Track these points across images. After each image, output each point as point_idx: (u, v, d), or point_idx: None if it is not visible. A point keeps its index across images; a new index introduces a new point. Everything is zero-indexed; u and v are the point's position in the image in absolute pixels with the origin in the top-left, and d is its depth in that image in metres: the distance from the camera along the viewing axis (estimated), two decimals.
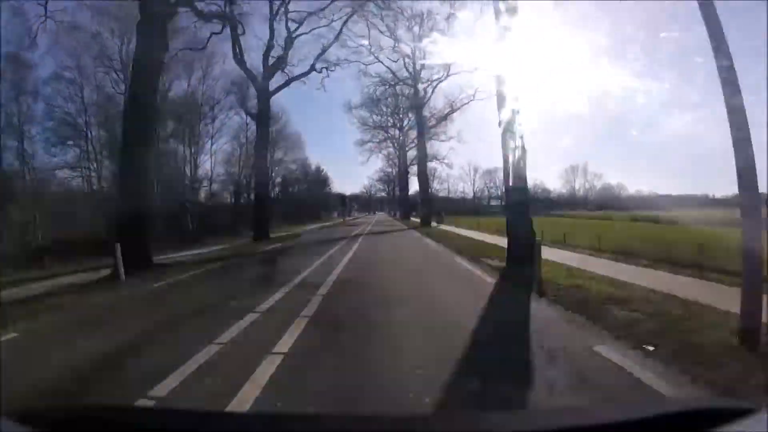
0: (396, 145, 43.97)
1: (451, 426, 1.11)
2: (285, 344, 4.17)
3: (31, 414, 1.08)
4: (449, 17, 21.78)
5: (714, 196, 42.75)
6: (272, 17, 21.58)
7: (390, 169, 73.74)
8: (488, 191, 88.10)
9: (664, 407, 1.17)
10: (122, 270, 8.84)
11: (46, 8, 14.92)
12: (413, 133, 38.74)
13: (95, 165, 24.56)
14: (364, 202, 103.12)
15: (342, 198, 55.20)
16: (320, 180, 68.02)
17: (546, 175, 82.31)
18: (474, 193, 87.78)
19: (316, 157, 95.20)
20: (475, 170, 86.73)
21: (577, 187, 70.25)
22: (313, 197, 60.91)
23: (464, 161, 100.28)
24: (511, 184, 8.86)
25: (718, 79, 3.83)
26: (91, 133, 24.29)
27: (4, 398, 2.66)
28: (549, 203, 70.64)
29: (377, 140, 43.03)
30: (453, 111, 32.70)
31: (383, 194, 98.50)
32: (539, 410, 2.33)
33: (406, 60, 29.51)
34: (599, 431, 0.98)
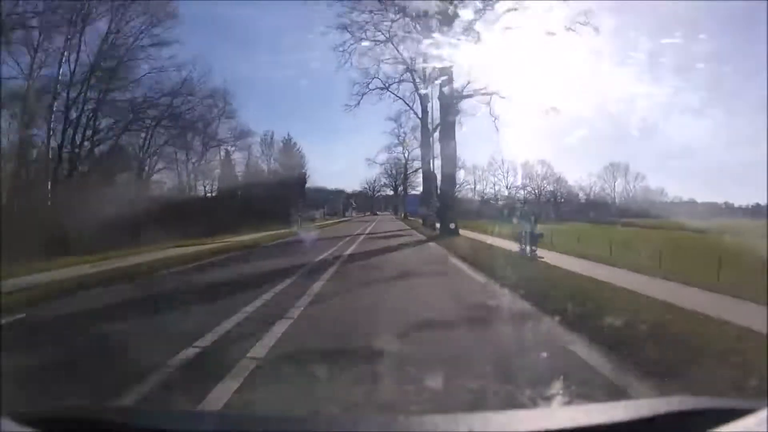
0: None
1: (450, 427, 1.11)
2: None
3: (31, 414, 1.12)
4: None
5: (733, 204, 41.14)
6: None
7: (399, 148, 55.79)
8: (524, 190, 69.65)
9: (665, 407, 1.10)
10: None
11: None
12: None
13: None
14: (365, 201, 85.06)
15: (301, 183, 30.83)
16: (289, 157, 49.55)
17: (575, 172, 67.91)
18: (508, 191, 69.25)
19: (313, 155, 78.11)
20: (509, 162, 68.22)
21: (618, 189, 56.76)
22: (273, 191, 42.52)
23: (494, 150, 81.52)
24: None
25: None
26: None
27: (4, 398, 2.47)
28: (579, 207, 57.02)
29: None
30: None
31: (390, 191, 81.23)
32: (539, 410, 2.27)
33: None
34: (600, 431, 0.97)
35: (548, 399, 2.54)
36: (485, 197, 69.52)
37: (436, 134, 29.14)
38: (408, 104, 29.91)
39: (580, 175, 67.14)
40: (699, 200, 42.23)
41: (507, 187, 69.20)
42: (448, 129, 18.93)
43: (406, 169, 60.95)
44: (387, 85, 29.81)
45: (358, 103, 29.37)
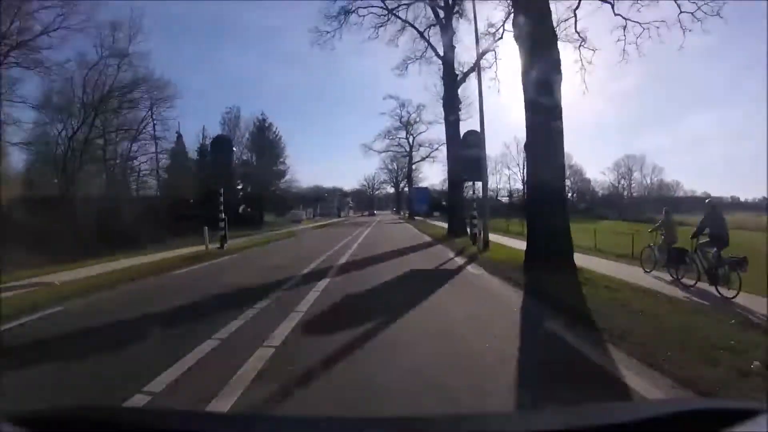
0: None
1: (450, 427, 1.08)
2: None
3: (29, 415, 1.09)
4: None
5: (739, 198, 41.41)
6: None
7: (401, 133, 44.74)
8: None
9: (669, 408, 1.06)
10: None
11: None
12: None
13: None
14: (365, 199, 74.36)
15: (277, 176, 22.91)
16: (263, 144, 37.52)
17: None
18: (523, 187, 57.34)
19: (308, 152, 68.96)
20: (522, 151, 56.46)
21: (634, 183, 51.14)
22: (233, 186, 31.16)
23: (507, 134, 69.71)
24: None
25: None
26: None
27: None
28: (597, 202, 51.53)
29: None
30: None
31: (390, 188, 70.12)
32: (539, 411, 2.10)
33: None
34: None
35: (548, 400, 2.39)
36: (498, 193, 58.49)
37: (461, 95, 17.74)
38: (422, 33, 18.40)
39: (597, 168, 60.38)
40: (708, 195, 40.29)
41: (523, 181, 58.02)
42: (544, 32, 7.45)
43: (411, 158, 49.14)
44: (390, 8, 18.49)
45: (340, 28, 17.85)
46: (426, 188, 40.95)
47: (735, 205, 41.25)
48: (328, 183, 65.77)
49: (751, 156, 47.69)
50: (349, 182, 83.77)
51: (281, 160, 38.95)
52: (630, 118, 60.46)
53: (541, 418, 1.17)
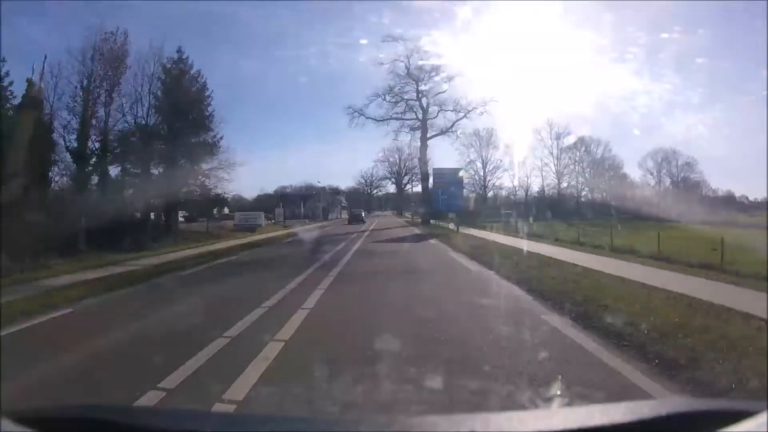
0: None
1: (450, 427, 1.08)
2: None
3: (31, 414, 1.10)
4: None
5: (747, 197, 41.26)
6: None
7: (407, 92, 28.78)
8: (577, 180, 43.78)
9: (666, 408, 1.06)
10: None
11: None
12: None
13: None
14: (366, 199, 59.47)
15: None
16: (182, 95, 20.00)
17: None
18: (558, 182, 40.90)
19: (304, 149, 62.72)
20: (557, 137, 39.92)
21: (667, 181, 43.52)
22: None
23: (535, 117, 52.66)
24: None
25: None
26: None
27: (4, 398, 2.57)
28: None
29: None
30: None
31: (391, 185, 54.41)
32: (540, 411, 2.26)
33: None
34: None
35: (549, 400, 2.51)
36: (528, 193, 42.44)
37: None
38: None
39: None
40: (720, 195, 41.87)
41: (557, 174, 42.55)
42: None
43: (425, 127, 32.39)
44: None
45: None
46: (459, 170, 24.16)
47: (739, 205, 41.00)
48: (324, 182, 54.87)
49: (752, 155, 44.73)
50: (346, 181, 72.15)
51: (208, 117, 21.48)
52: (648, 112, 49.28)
53: (542, 418, 1.17)
